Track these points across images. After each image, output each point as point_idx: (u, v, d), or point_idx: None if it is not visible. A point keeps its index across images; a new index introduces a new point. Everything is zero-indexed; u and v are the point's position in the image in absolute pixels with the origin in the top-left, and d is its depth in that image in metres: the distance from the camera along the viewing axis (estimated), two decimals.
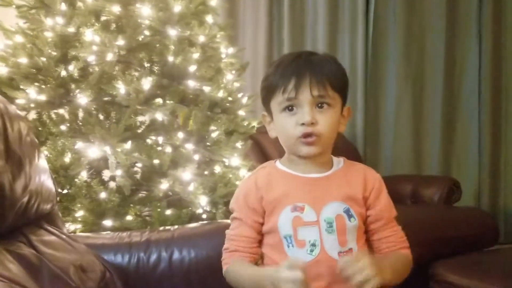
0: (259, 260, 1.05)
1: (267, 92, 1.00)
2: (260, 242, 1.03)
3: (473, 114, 3.43)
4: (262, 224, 1.01)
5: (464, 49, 3.41)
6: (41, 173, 1.17)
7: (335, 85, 0.97)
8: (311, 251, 0.96)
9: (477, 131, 3.43)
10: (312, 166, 1.01)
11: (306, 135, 0.95)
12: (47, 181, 1.21)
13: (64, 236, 1.19)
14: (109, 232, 1.48)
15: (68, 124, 1.72)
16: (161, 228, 1.45)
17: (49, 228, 1.18)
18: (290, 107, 0.97)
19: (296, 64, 0.97)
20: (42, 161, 1.21)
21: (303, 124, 0.95)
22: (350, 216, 0.98)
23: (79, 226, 1.60)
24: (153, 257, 1.30)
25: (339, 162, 1.05)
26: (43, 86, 1.70)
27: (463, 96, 3.43)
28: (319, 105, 0.96)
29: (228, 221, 1.42)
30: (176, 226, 1.44)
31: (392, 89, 3.32)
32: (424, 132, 3.39)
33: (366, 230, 1.03)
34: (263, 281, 0.92)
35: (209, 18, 1.96)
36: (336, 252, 0.96)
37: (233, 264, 1.01)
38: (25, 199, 1.08)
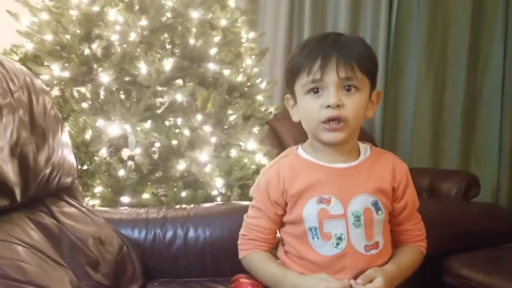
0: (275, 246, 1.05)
1: (291, 74, 0.95)
2: (277, 231, 1.02)
3: (495, 110, 3.36)
4: (282, 215, 0.99)
5: (489, 43, 3.33)
6: (63, 147, 1.21)
7: (363, 67, 0.91)
8: (337, 244, 0.93)
9: (499, 127, 3.36)
10: (338, 154, 0.96)
11: (331, 119, 0.90)
12: (69, 155, 1.24)
13: (83, 209, 1.22)
14: (126, 207, 1.51)
15: (89, 102, 1.75)
16: (177, 206, 1.47)
17: (70, 200, 1.21)
18: (315, 89, 0.92)
19: (323, 45, 0.92)
20: (65, 136, 1.24)
21: (328, 106, 0.90)
22: (378, 209, 0.94)
23: (97, 201, 1.64)
24: (169, 234, 1.32)
25: (366, 149, 1.01)
26: (67, 64, 1.73)
27: (486, 91, 3.36)
28: (346, 87, 0.91)
29: (243, 202, 1.45)
30: (192, 205, 1.45)
31: (412, 80, 3.27)
32: (444, 126, 3.34)
33: (391, 219, 1.01)
34: (286, 284, 0.93)
35: (231, 2, 1.96)
36: (363, 246, 0.94)
37: (255, 255, 1.00)
38: (48, 170, 1.11)
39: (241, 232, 1.03)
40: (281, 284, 0.95)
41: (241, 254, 1.02)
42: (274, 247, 1.04)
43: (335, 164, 0.96)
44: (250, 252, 1.00)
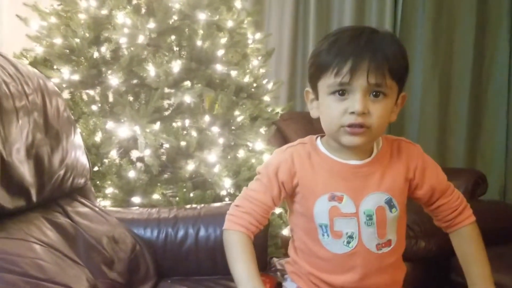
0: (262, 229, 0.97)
1: (317, 70, 0.88)
2: (270, 213, 0.97)
3: (501, 107, 3.36)
4: (284, 198, 0.96)
5: (494, 42, 3.32)
6: (76, 149, 1.23)
7: (395, 73, 0.85)
8: (348, 243, 0.91)
9: (505, 125, 3.36)
10: (353, 152, 0.93)
11: (354, 125, 0.86)
12: (82, 157, 1.27)
13: (97, 209, 1.24)
14: (138, 207, 1.53)
15: (99, 105, 1.78)
16: (188, 206, 1.49)
17: (83, 200, 1.23)
18: (340, 92, 0.86)
19: (355, 45, 0.84)
20: (77, 137, 1.26)
21: (352, 112, 0.85)
22: (391, 206, 0.91)
23: (108, 202, 1.66)
24: (181, 233, 1.34)
25: (378, 141, 0.96)
26: (76, 67, 1.75)
27: (492, 89, 3.36)
28: (374, 93, 0.86)
29: None
30: (202, 205, 1.47)
31: (418, 79, 3.27)
32: (450, 124, 3.34)
33: (422, 203, 0.98)
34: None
35: (237, 3, 1.98)
36: (374, 245, 0.91)
37: (241, 238, 0.92)
38: (62, 172, 1.14)
39: (236, 202, 0.96)
40: (238, 285, 0.89)
41: (227, 225, 0.94)
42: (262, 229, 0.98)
43: (349, 161, 0.93)
44: (237, 231, 0.92)
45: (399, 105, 0.93)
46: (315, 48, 0.93)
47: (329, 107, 0.88)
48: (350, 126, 0.86)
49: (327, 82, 0.87)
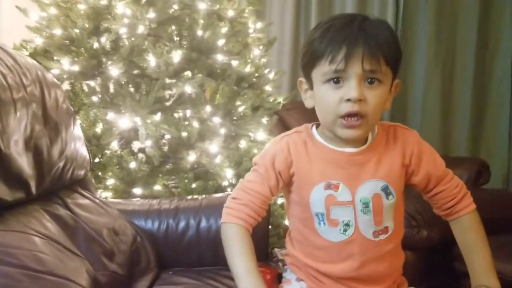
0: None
1: (310, 59, 0.87)
2: (268, 204, 0.96)
3: (504, 96, 3.33)
4: (281, 187, 0.95)
5: (497, 31, 3.29)
6: (76, 140, 1.22)
7: (389, 59, 0.85)
8: (345, 231, 0.90)
9: (508, 113, 3.34)
10: (349, 142, 0.92)
11: (350, 115, 0.85)
12: (81, 148, 1.26)
13: (97, 201, 1.24)
14: (139, 199, 1.53)
15: (99, 96, 1.77)
16: (189, 197, 1.49)
17: (83, 192, 1.23)
18: (335, 79, 0.85)
19: (348, 31, 0.83)
20: (77, 129, 1.25)
21: (348, 100, 0.84)
22: (388, 193, 0.91)
23: (109, 193, 1.66)
24: (182, 224, 1.34)
25: (373, 128, 0.95)
26: (76, 58, 1.74)
27: (495, 77, 3.33)
28: (369, 80, 0.85)
29: None
30: (203, 196, 1.47)
31: (421, 67, 3.25)
32: (453, 113, 3.32)
33: (419, 190, 0.98)
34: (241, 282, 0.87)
35: None
36: (371, 232, 0.91)
37: (237, 231, 0.91)
38: (61, 163, 1.13)
39: (234, 195, 0.96)
40: (236, 279, 0.88)
41: (225, 218, 0.94)
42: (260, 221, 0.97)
43: (344, 149, 0.93)
44: (235, 224, 0.92)
45: (393, 93, 0.92)
46: (307, 37, 0.92)
47: (325, 96, 0.87)
48: (347, 116, 0.86)
49: (322, 70, 0.86)
